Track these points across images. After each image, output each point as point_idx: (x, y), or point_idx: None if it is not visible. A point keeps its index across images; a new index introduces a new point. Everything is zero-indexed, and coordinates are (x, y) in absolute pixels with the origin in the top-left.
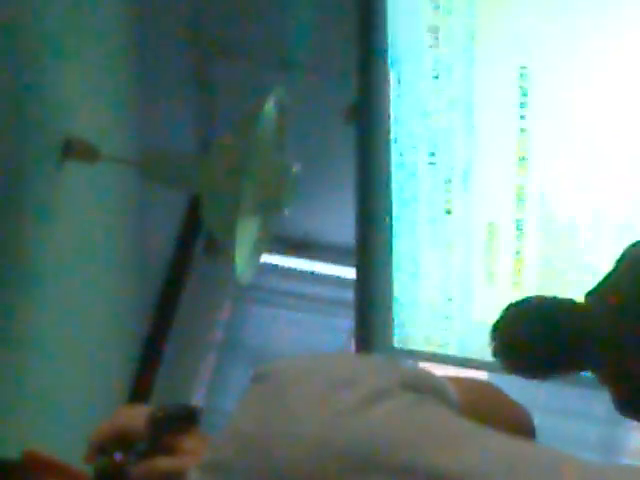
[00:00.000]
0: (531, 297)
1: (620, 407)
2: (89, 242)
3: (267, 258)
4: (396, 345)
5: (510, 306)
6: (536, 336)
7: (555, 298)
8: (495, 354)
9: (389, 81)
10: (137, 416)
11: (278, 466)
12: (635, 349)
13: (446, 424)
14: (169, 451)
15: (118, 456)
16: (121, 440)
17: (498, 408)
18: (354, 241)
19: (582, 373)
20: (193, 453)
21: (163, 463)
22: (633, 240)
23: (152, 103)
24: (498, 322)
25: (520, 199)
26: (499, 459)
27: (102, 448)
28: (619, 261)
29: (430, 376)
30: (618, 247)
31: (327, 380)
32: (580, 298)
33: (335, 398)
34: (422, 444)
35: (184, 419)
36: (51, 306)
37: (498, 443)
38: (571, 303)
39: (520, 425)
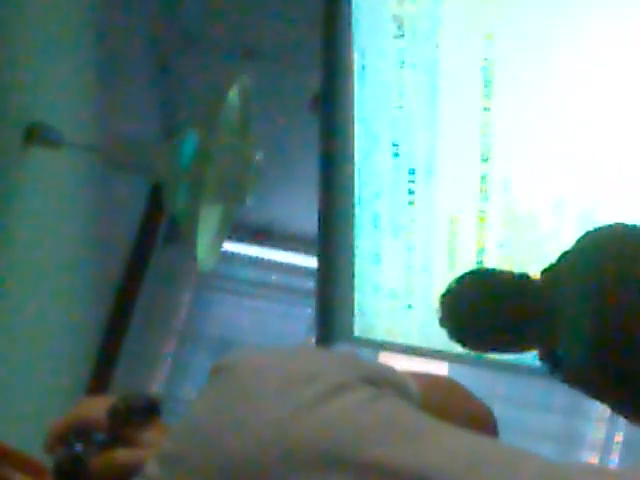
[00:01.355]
0: (483, 268)
1: (563, 377)
2: (51, 227)
3: (229, 246)
4: (357, 334)
5: (461, 276)
6: (485, 306)
7: (507, 272)
8: (442, 323)
9: (353, 71)
10: (98, 407)
11: (235, 459)
12: (581, 325)
13: (406, 419)
14: (130, 443)
15: (78, 447)
16: (82, 431)
17: (460, 404)
18: (317, 230)
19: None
20: (154, 445)
21: (123, 455)
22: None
23: (116, 90)
24: (448, 291)
25: (483, 190)
26: (459, 455)
27: (62, 439)
28: (577, 242)
29: (391, 371)
30: None
31: (287, 375)
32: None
33: (294, 392)
34: (381, 439)
35: (145, 411)
36: (11, 289)
37: (459, 439)
38: (524, 277)
39: (482, 422)
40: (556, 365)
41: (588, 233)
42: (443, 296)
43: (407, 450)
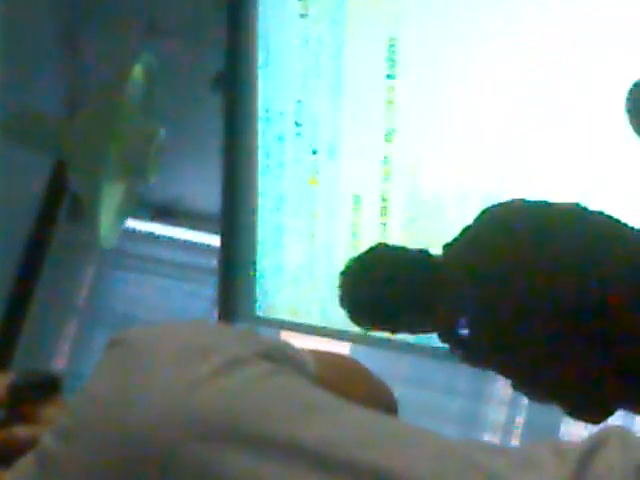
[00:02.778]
0: (382, 245)
1: (466, 357)
2: None
3: (132, 223)
4: (259, 314)
5: (360, 255)
6: (383, 284)
7: (407, 248)
8: (341, 303)
9: (257, 50)
10: None
11: (130, 432)
12: (481, 299)
13: (302, 394)
14: (29, 419)
15: None
16: None
17: (359, 383)
18: (220, 209)
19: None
20: (53, 422)
21: (22, 431)
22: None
23: (19, 63)
24: (346, 269)
25: (386, 172)
26: (354, 430)
27: None
28: (477, 217)
29: (288, 347)
30: None
31: (183, 348)
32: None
33: (190, 366)
34: (276, 414)
35: (45, 387)
36: None
37: (354, 415)
38: (425, 253)
39: (381, 402)
40: (457, 344)
41: (488, 208)
42: (342, 275)
43: (302, 424)
